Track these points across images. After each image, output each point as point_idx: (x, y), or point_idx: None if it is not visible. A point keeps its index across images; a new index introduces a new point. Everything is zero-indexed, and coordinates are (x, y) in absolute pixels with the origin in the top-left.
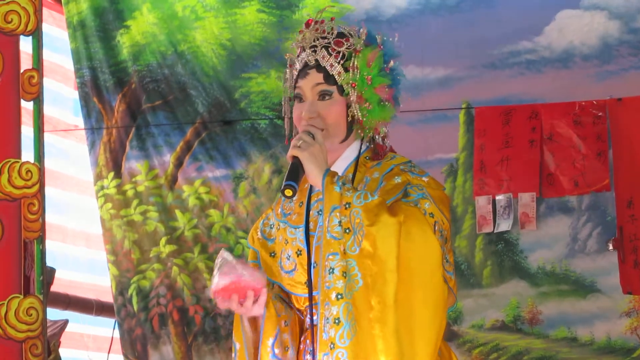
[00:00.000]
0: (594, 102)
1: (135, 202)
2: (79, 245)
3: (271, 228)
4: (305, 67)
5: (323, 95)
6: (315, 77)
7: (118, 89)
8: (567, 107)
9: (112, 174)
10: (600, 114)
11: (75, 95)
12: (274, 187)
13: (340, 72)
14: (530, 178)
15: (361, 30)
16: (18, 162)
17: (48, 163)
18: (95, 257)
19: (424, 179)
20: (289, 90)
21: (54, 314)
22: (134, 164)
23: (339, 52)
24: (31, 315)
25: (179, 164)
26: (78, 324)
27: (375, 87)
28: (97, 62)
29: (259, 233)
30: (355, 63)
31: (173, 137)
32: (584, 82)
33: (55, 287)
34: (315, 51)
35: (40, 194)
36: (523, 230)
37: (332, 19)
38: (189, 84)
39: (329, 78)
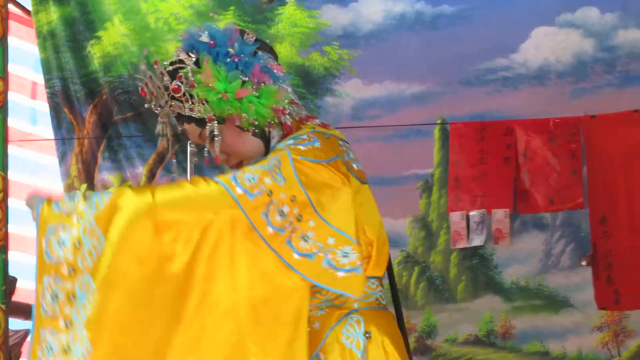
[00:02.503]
0: (568, 118)
1: None
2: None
3: None
4: (179, 122)
5: (212, 137)
6: (191, 128)
7: (89, 100)
8: (541, 123)
9: (84, 186)
10: (573, 132)
11: (32, 104)
12: None
13: (200, 110)
14: (505, 194)
15: (180, 53)
16: None
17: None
18: None
19: (290, 144)
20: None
21: (15, 323)
22: (106, 176)
23: (184, 95)
24: None
25: (151, 175)
26: None
27: (235, 97)
28: (68, 73)
29: None
30: (198, 96)
31: (145, 149)
32: (558, 99)
33: (17, 297)
34: (171, 106)
35: (4, 203)
36: (497, 246)
37: (155, 63)
38: None
39: (200, 122)
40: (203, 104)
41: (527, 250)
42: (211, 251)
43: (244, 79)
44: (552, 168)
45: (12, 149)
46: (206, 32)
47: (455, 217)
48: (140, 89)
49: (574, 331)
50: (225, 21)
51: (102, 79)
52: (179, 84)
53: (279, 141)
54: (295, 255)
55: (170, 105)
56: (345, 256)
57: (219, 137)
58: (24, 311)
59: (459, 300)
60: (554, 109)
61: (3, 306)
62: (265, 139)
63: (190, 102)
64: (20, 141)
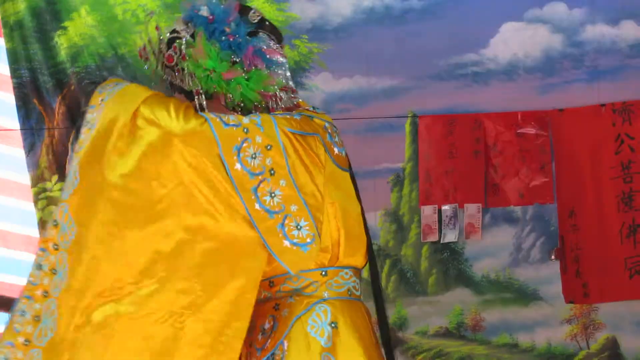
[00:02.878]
0: (536, 112)
1: None
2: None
3: None
4: (171, 88)
5: (201, 109)
6: (181, 99)
7: (58, 91)
8: (510, 117)
9: (55, 177)
10: (541, 126)
11: None
12: None
13: (190, 83)
14: (476, 189)
15: (178, 21)
16: None
17: None
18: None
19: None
20: None
21: None
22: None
23: (176, 66)
24: None
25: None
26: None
27: (223, 74)
28: (37, 64)
29: None
30: (188, 70)
31: None
32: (527, 94)
33: None
34: (165, 74)
35: None
36: (468, 240)
37: (157, 28)
38: None
39: (189, 94)
40: (192, 77)
41: (498, 244)
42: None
43: (235, 59)
44: (522, 162)
45: None
46: (206, 7)
47: (427, 210)
48: (138, 50)
49: (543, 324)
50: None
51: (69, 70)
52: (173, 54)
53: None
54: (257, 206)
55: (164, 72)
56: (297, 228)
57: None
58: (4, 304)
59: (429, 294)
60: (523, 104)
61: None
62: None
63: (181, 74)
64: None
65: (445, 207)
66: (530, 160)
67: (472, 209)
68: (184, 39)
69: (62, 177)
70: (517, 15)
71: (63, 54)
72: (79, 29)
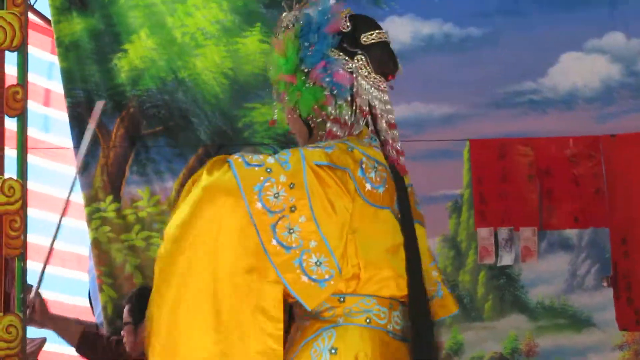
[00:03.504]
0: (588, 137)
1: (137, 228)
2: (58, 265)
3: None
4: None
5: (279, 100)
6: None
7: (116, 113)
8: (561, 142)
9: (110, 197)
10: (594, 151)
11: (44, 111)
12: None
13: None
14: (530, 212)
15: (289, 15)
16: (1, 178)
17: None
18: (75, 277)
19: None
20: None
21: (30, 331)
22: (135, 189)
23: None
24: (11, 333)
25: (182, 190)
26: (55, 343)
27: (285, 78)
28: (93, 85)
29: None
30: (268, 60)
31: (175, 164)
32: (585, 123)
33: None
34: None
35: (23, 210)
36: (524, 265)
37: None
38: (191, 112)
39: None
40: (270, 68)
41: (553, 271)
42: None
43: (303, 68)
44: (575, 186)
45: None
46: (319, 10)
47: (483, 233)
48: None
49: (595, 349)
50: (252, 38)
51: (129, 92)
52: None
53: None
54: (274, 241)
55: None
56: (317, 265)
57: (281, 102)
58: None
59: (485, 319)
60: (580, 133)
61: (20, 314)
62: (309, 130)
63: None
64: (35, 149)
65: (501, 230)
66: (584, 185)
67: (527, 232)
68: (282, 29)
69: (117, 198)
70: (576, 45)
71: (123, 76)
72: (139, 52)
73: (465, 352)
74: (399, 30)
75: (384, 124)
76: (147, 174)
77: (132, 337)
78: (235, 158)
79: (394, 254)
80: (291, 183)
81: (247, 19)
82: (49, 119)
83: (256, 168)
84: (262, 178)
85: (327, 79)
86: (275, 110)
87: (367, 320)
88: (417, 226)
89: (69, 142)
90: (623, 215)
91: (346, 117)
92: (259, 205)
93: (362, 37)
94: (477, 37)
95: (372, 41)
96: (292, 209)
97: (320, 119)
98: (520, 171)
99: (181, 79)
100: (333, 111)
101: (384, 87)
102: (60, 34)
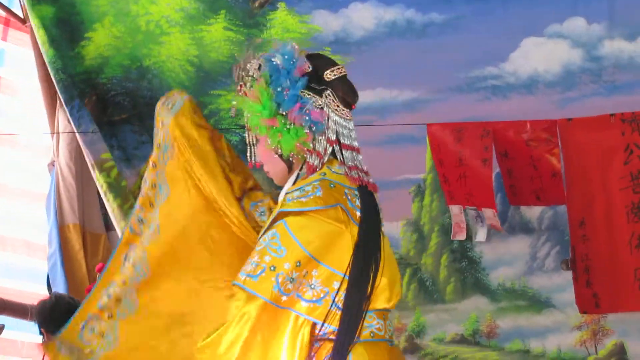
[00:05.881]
0: (545, 121)
1: None
2: (19, 254)
3: None
4: None
5: (250, 145)
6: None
7: (82, 100)
8: (518, 125)
9: None
10: (551, 135)
11: None
12: None
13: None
14: (487, 195)
15: (252, 63)
16: None
17: None
18: (33, 265)
19: (292, 211)
20: None
21: None
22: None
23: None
24: None
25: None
26: (13, 330)
27: (266, 122)
28: (58, 72)
29: None
30: (245, 107)
31: (141, 150)
32: (546, 108)
33: None
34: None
35: None
36: (485, 249)
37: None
38: (156, 99)
39: (244, 126)
40: (245, 116)
41: (514, 253)
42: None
43: (281, 112)
44: (534, 170)
45: None
46: (282, 57)
47: (455, 209)
48: (234, 65)
49: (555, 330)
50: (217, 25)
51: (94, 80)
52: (240, 87)
53: (300, 176)
54: (303, 303)
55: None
56: (312, 288)
57: (255, 147)
58: None
59: (447, 301)
60: (542, 117)
61: None
62: (289, 166)
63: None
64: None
65: (469, 209)
66: (541, 168)
67: (489, 213)
68: (250, 78)
69: None
70: (537, 30)
71: (87, 64)
72: (103, 40)
73: (427, 334)
74: (362, 16)
75: (349, 151)
76: (113, 160)
77: None
78: (242, 279)
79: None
80: (296, 262)
81: (211, 7)
82: None
83: (262, 275)
84: (273, 279)
85: (306, 118)
86: (234, 102)
87: (372, 335)
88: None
89: (18, 129)
90: (580, 198)
91: (321, 149)
92: (284, 298)
93: (324, 74)
94: (439, 23)
95: (334, 77)
96: (305, 274)
97: (301, 155)
98: (476, 155)
99: (146, 66)
100: (312, 146)
101: (349, 117)
102: (33, 21)
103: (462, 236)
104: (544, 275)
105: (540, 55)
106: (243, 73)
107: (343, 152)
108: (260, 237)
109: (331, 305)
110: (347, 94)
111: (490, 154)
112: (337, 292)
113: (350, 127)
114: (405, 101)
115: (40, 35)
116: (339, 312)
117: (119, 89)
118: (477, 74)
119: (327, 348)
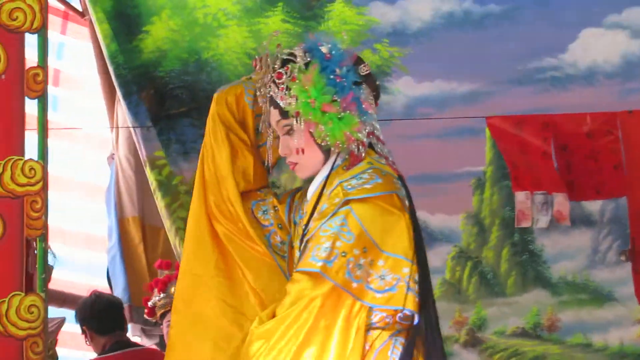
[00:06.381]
0: (605, 114)
1: None
2: (79, 247)
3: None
4: (267, 104)
5: (287, 130)
6: (274, 113)
7: (140, 94)
8: (578, 118)
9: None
10: (611, 127)
11: (52, 91)
12: None
13: (291, 103)
14: (555, 180)
15: (299, 49)
16: (22, 159)
17: None
18: (93, 258)
19: (357, 198)
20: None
21: (49, 311)
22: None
23: (282, 84)
24: (32, 313)
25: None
26: (72, 323)
27: (320, 108)
28: (116, 66)
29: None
30: (294, 92)
31: (198, 144)
32: (606, 99)
33: (51, 285)
34: (268, 87)
35: (44, 192)
36: (547, 242)
37: (278, 46)
38: (214, 92)
39: (283, 112)
40: (296, 99)
41: (575, 247)
42: None
43: (335, 98)
44: (594, 162)
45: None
46: (329, 45)
47: (520, 196)
48: (254, 58)
49: (617, 324)
50: (274, 18)
51: (152, 74)
52: (283, 72)
53: (341, 165)
54: (378, 294)
55: (269, 87)
56: (382, 279)
57: (292, 134)
58: (58, 299)
59: (508, 295)
60: (601, 108)
61: (42, 294)
62: (327, 157)
63: (284, 92)
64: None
65: (537, 194)
66: (602, 161)
67: (559, 198)
68: (297, 64)
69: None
70: (596, 20)
71: (144, 57)
72: (161, 33)
73: (489, 327)
74: (419, 8)
75: (380, 143)
76: (170, 154)
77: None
78: (319, 265)
79: None
80: (363, 248)
81: None
82: (57, 99)
83: (336, 261)
84: (345, 265)
85: (359, 107)
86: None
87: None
88: None
89: (77, 122)
90: None
91: (366, 140)
92: (355, 284)
93: (359, 68)
94: (497, 14)
95: (366, 73)
96: (371, 263)
97: (349, 144)
98: (536, 147)
99: (204, 59)
100: (361, 136)
101: (376, 111)
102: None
103: (527, 223)
104: (605, 269)
105: (599, 46)
106: (276, 62)
107: (377, 143)
108: (325, 223)
109: (407, 291)
110: (375, 90)
111: (550, 146)
112: (409, 278)
113: (377, 120)
114: (464, 93)
115: (102, 30)
116: (416, 297)
117: (177, 82)
118: (535, 66)
119: (380, 337)
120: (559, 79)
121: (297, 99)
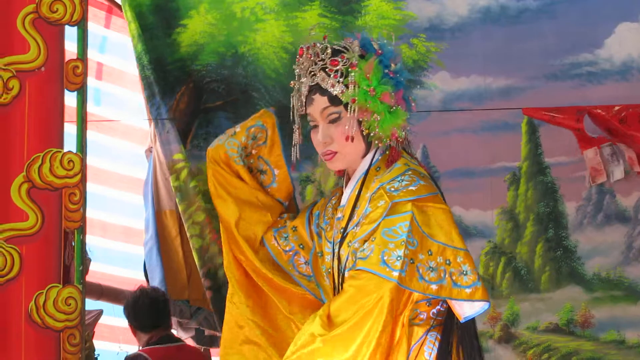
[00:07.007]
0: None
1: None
2: (117, 240)
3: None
4: (310, 92)
5: (334, 118)
6: (320, 101)
7: (177, 88)
8: (610, 110)
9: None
10: None
11: (95, 84)
12: None
13: (343, 91)
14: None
15: (354, 42)
16: (60, 152)
17: None
18: (131, 250)
19: (403, 201)
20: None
21: (87, 303)
22: (195, 163)
23: (337, 71)
24: (70, 305)
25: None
26: (111, 316)
27: (379, 97)
28: (153, 60)
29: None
30: (353, 78)
31: None
32: None
33: (88, 278)
34: (314, 75)
35: (82, 184)
36: (581, 238)
37: (324, 38)
38: (251, 86)
39: (333, 99)
40: (354, 88)
41: (610, 243)
42: None
43: (390, 92)
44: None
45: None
46: (379, 43)
47: (590, 153)
48: (301, 47)
49: None
50: (312, 12)
51: (189, 67)
52: (339, 60)
53: (380, 161)
54: (468, 290)
55: (314, 75)
56: (464, 273)
57: (338, 122)
58: (95, 291)
59: (542, 290)
60: (636, 102)
61: (80, 286)
62: (368, 149)
63: (337, 79)
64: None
65: (604, 146)
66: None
67: (623, 146)
68: (355, 54)
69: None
70: (632, 15)
71: (182, 51)
72: (199, 27)
73: (521, 323)
74: (456, 3)
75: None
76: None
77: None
78: (395, 275)
79: None
80: (428, 251)
81: None
82: (100, 93)
83: (407, 269)
84: (415, 270)
85: (408, 105)
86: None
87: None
88: None
89: (119, 115)
90: None
91: (403, 137)
92: (434, 287)
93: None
94: (533, 9)
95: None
96: (448, 262)
97: (391, 139)
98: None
99: (241, 54)
100: (404, 133)
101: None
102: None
103: (602, 178)
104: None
105: (635, 40)
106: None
107: (408, 143)
108: (385, 229)
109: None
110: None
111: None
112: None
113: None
114: (500, 88)
115: (131, 30)
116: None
117: (213, 75)
118: (571, 61)
119: (414, 333)
120: (594, 74)
121: (355, 86)
